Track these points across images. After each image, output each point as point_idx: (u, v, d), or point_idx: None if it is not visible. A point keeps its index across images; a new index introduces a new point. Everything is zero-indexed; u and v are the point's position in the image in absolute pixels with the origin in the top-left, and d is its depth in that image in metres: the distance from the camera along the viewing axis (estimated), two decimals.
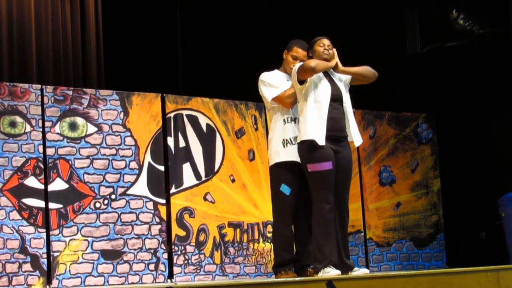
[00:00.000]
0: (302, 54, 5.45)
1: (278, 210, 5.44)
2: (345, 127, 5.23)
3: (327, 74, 5.28)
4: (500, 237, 7.52)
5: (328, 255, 4.99)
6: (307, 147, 5.10)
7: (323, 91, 5.15)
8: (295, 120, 5.39)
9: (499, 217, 7.48)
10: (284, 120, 5.39)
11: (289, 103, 5.37)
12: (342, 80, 5.33)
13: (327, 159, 5.06)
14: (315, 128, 5.06)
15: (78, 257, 6.24)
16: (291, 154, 5.32)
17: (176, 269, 6.63)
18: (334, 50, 5.30)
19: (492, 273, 4.55)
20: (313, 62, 5.13)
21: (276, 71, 5.58)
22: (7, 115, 6.15)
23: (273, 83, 5.43)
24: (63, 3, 7.46)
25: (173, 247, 6.65)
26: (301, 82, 5.20)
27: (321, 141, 5.05)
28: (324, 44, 5.28)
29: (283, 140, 5.36)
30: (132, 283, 6.39)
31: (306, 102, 5.15)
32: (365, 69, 5.36)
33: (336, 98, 5.19)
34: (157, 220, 6.61)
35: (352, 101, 5.33)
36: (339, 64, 5.28)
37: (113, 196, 6.45)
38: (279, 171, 5.38)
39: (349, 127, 5.25)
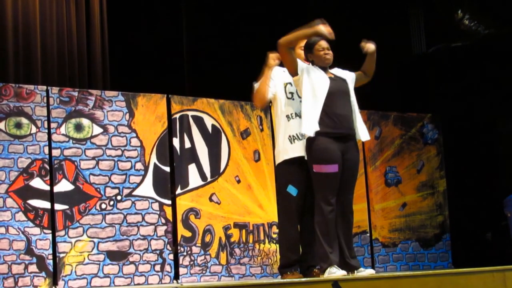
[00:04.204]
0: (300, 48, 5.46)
1: (284, 211, 5.42)
2: (353, 124, 5.19)
3: (328, 72, 5.24)
4: (506, 238, 7.50)
5: (331, 256, 4.98)
6: (314, 146, 5.05)
7: (320, 85, 5.11)
8: (300, 115, 5.34)
9: (505, 218, 7.47)
10: (287, 117, 5.32)
11: (257, 98, 5.40)
12: (347, 76, 5.31)
13: (333, 161, 5.03)
14: (308, 121, 5.04)
15: (84, 258, 6.25)
16: (299, 150, 5.25)
17: (182, 270, 6.63)
18: (329, 28, 5.24)
19: (498, 274, 4.54)
20: (281, 40, 5.18)
21: (278, 67, 5.55)
22: (13, 116, 6.16)
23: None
24: (68, 4, 7.46)
25: (179, 248, 6.65)
26: (294, 74, 5.19)
27: (311, 132, 5.02)
28: (323, 48, 5.25)
29: (289, 136, 5.29)
30: (138, 284, 6.39)
31: (303, 97, 5.14)
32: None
33: (343, 94, 5.15)
34: (163, 221, 6.61)
35: (358, 101, 5.30)
36: (370, 46, 5.35)
37: (118, 197, 6.46)
38: (287, 169, 5.30)
39: (356, 124, 5.21)
